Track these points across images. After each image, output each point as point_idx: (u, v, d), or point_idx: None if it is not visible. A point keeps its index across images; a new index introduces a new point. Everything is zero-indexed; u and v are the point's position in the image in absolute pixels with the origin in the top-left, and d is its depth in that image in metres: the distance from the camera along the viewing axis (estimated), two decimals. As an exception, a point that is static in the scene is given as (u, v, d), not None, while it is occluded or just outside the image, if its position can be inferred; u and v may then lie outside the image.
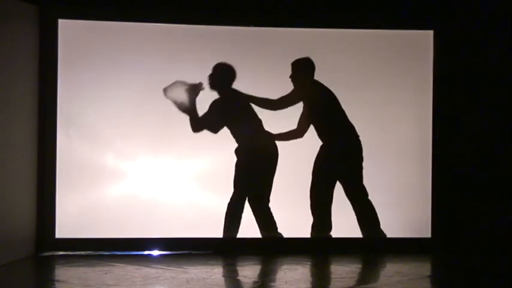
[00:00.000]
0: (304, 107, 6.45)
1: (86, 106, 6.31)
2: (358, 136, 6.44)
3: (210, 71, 6.39)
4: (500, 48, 6.49)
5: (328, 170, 6.42)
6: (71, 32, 6.29)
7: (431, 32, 6.56)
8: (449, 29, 6.52)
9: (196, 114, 6.35)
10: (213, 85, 6.40)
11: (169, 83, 6.30)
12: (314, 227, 6.42)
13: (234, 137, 6.41)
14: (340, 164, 6.43)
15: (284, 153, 6.42)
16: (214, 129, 6.37)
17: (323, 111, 6.44)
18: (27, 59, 6.10)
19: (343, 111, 6.44)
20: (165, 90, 6.28)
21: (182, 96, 6.30)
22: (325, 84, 6.46)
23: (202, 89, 6.33)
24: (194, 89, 6.32)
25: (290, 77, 6.43)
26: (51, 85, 6.24)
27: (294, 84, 6.44)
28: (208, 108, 6.36)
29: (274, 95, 6.45)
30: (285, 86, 6.46)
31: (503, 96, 6.50)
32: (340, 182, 6.44)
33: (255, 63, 6.48)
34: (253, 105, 6.43)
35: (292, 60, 6.46)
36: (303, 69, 6.45)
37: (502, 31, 6.48)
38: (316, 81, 6.48)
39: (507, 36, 6.48)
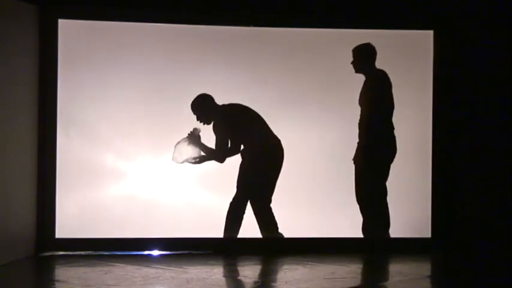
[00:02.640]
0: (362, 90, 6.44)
1: (86, 106, 6.31)
2: (395, 138, 6.43)
3: (206, 71, 6.39)
4: (500, 48, 6.49)
5: (372, 171, 6.41)
6: (71, 32, 6.29)
7: (431, 32, 6.56)
8: (449, 29, 6.52)
9: (211, 150, 6.37)
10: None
11: (173, 148, 6.34)
12: (369, 225, 6.40)
13: (242, 143, 6.42)
14: (379, 166, 6.44)
15: (286, 153, 6.42)
16: (236, 151, 6.40)
17: (376, 101, 6.40)
18: (27, 59, 6.10)
19: (391, 111, 6.41)
20: (174, 159, 6.31)
21: (191, 151, 6.33)
22: (325, 84, 6.47)
23: (199, 130, 6.34)
24: (194, 137, 6.34)
25: (351, 63, 6.44)
26: (51, 85, 6.24)
27: (356, 70, 6.45)
28: (215, 136, 6.35)
29: (273, 95, 6.46)
30: (284, 86, 6.47)
31: (503, 96, 6.50)
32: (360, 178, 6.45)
33: (255, 63, 6.48)
34: (255, 108, 6.43)
35: (291, 60, 6.47)
36: (362, 56, 6.44)
37: (502, 31, 6.48)
38: (378, 70, 6.45)
39: (507, 36, 6.48)
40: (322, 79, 6.48)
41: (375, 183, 6.43)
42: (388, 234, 6.46)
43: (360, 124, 6.44)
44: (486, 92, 6.50)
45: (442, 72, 6.53)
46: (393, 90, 6.47)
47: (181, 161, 6.34)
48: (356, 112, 6.47)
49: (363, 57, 6.45)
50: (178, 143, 6.34)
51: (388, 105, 6.42)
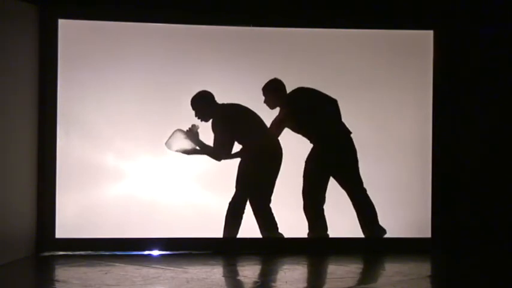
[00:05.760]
0: (280, 113, 6.43)
1: (86, 106, 6.32)
2: (347, 131, 6.42)
3: (206, 71, 6.39)
4: (500, 47, 6.49)
5: (320, 171, 6.41)
6: (71, 32, 6.29)
7: (431, 32, 6.56)
8: (449, 29, 6.52)
9: (210, 147, 6.36)
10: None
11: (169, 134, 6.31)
12: (310, 228, 6.42)
13: (241, 143, 6.41)
14: (332, 164, 6.42)
15: (285, 153, 6.42)
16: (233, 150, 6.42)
17: (306, 121, 6.43)
18: (27, 59, 6.10)
19: (331, 111, 6.42)
20: (168, 145, 6.28)
21: (186, 143, 6.30)
22: (324, 84, 6.47)
23: (198, 127, 6.33)
24: (192, 134, 6.32)
25: (264, 102, 6.42)
26: (51, 85, 6.24)
27: (270, 107, 6.43)
28: (214, 134, 6.34)
29: (274, 95, 6.47)
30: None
31: (503, 95, 6.50)
32: (336, 179, 6.43)
33: (255, 63, 6.48)
34: (255, 108, 6.43)
35: (291, 60, 6.47)
36: (273, 92, 6.44)
37: (502, 31, 6.48)
38: (291, 95, 6.44)
39: (507, 36, 6.48)
40: (322, 79, 6.48)
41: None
42: (381, 227, 6.44)
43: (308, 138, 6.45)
44: (486, 92, 6.50)
45: (442, 72, 6.53)
46: (392, 90, 6.49)
47: (174, 149, 6.30)
48: (356, 111, 6.48)
49: (273, 93, 6.43)
50: (176, 131, 6.29)
51: (322, 115, 6.43)
